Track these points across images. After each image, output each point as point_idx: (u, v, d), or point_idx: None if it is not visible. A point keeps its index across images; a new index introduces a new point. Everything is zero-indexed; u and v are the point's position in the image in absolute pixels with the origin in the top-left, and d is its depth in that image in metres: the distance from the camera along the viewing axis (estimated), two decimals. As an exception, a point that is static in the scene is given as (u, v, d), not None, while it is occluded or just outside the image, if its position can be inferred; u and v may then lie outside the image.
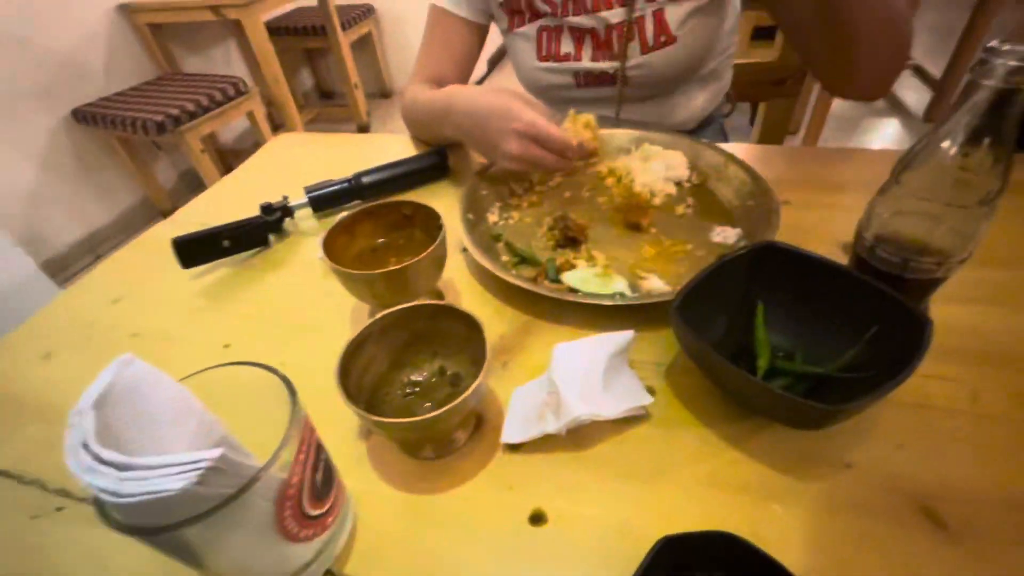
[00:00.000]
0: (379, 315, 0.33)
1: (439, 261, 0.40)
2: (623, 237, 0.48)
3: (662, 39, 0.59)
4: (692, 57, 0.60)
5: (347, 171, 0.58)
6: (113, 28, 1.87)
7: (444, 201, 0.57)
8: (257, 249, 0.53)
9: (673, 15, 0.58)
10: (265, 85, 2.02)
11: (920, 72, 2.14)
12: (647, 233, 0.48)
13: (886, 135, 2.09)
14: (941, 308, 0.37)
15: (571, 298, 0.40)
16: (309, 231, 0.56)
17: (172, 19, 1.90)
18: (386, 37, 2.77)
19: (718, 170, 0.52)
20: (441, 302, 0.33)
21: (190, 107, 1.67)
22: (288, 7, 2.46)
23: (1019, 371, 0.34)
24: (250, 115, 1.91)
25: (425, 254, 0.36)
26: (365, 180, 0.57)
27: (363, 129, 2.56)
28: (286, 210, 0.54)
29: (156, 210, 2.06)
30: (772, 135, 1.00)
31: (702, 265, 0.35)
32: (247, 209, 0.54)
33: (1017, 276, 0.41)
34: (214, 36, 2.28)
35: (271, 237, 0.54)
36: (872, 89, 0.50)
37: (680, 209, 0.51)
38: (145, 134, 1.63)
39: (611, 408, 0.32)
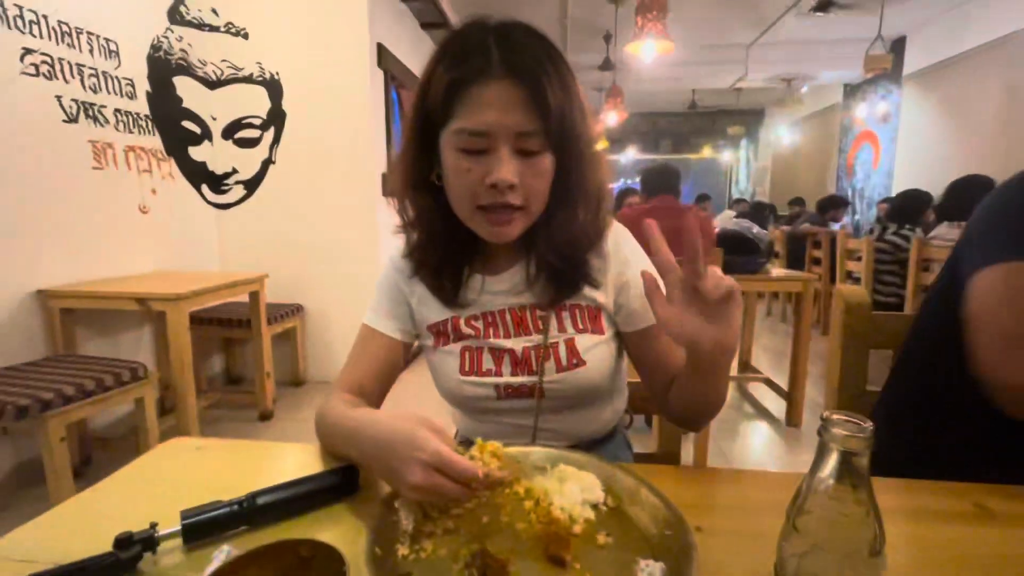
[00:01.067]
0: None
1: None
2: (546, 573, 0.44)
3: (574, 361, 0.69)
4: (599, 376, 0.71)
5: (241, 487, 0.52)
6: (20, 308, 1.83)
7: (349, 526, 0.51)
8: (91, 600, 0.41)
9: (581, 343, 0.69)
10: (168, 369, 1.95)
11: (771, 384, 2.58)
12: (571, 569, 0.45)
13: (761, 434, 2.38)
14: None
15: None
16: (173, 571, 0.45)
17: (91, 305, 1.92)
18: (309, 331, 2.94)
19: (631, 494, 0.54)
20: None
21: (68, 391, 1.53)
22: (219, 302, 2.61)
23: None
24: (138, 401, 1.77)
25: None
26: (260, 501, 0.50)
27: (265, 417, 2.45)
28: (149, 542, 0.45)
29: (-40, 513, 1.63)
30: (669, 442, 1.08)
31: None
32: (95, 540, 0.44)
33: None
34: (128, 321, 2.29)
35: (117, 580, 0.43)
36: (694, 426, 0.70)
37: (601, 539, 0.49)
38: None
39: None
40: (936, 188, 3.19)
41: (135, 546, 0.44)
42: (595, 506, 0.54)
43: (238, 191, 2.85)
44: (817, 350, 3.23)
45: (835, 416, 0.32)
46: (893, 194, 4.91)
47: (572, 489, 0.54)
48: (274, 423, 2.44)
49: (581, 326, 0.70)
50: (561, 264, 0.67)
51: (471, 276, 0.72)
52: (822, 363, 3.35)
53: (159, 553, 0.46)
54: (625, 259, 0.72)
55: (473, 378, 0.71)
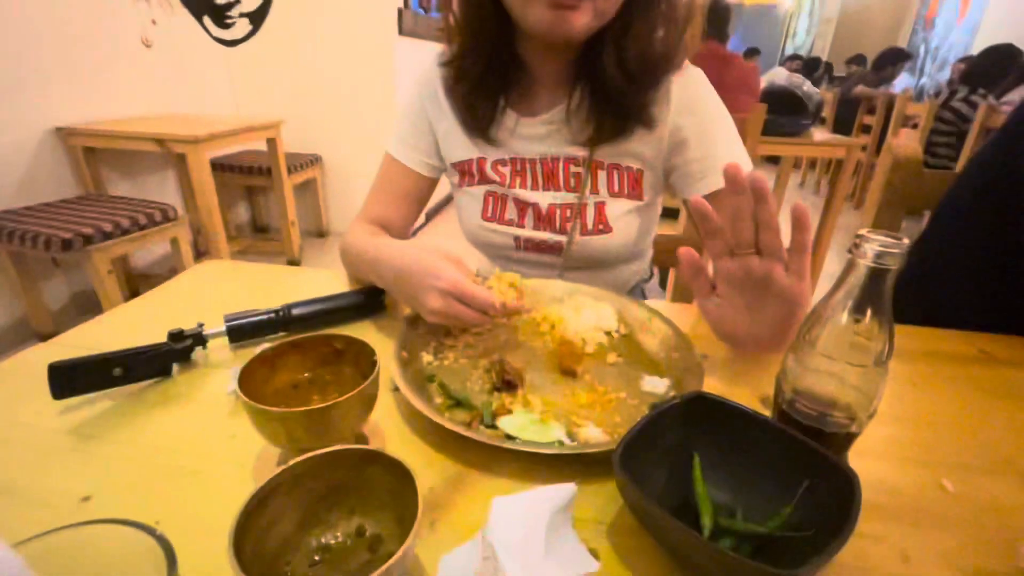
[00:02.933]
0: (293, 462, 0.28)
1: (369, 401, 0.37)
2: (558, 383, 0.48)
3: (600, 227, 0.66)
4: (624, 245, 0.68)
5: (275, 303, 0.55)
6: (41, 146, 1.83)
7: (377, 337, 0.55)
8: (155, 380, 0.47)
9: (612, 209, 0.65)
10: (197, 214, 2.00)
11: (791, 254, 2.55)
12: (581, 380, 0.49)
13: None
14: (859, 463, 0.38)
15: (509, 446, 0.38)
16: (221, 363, 0.51)
17: (111, 145, 1.91)
18: (329, 183, 2.93)
19: (643, 323, 0.56)
20: (368, 447, 0.30)
21: (107, 227, 1.59)
22: (237, 148, 2.56)
23: (939, 528, 0.35)
24: (173, 241, 1.85)
25: (356, 391, 0.34)
26: (295, 312, 0.54)
27: (293, 263, 2.55)
28: (199, 338, 0.50)
29: (31, 332, 1.82)
30: (682, 296, 1.11)
31: (636, 415, 0.35)
32: (152, 339, 0.49)
33: (919, 434, 0.45)
34: (151, 164, 2.29)
35: (175, 367, 0.48)
36: None
37: (611, 358, 0.52)
38: (46, 250, 1.50)
39: (554, 577, 0.28)
40: (1027, 45, 2.78)
41: (187, 339, 0.48)
42: (608, 333, 0.57)
43: (243, 24, 2.63)
44: (847, 224, 3.14)
45: (871, 232, 0.31)
46: (974, 53, 4.32)
47: (587, 316, 0.57)
48: (301, 270, 2.55)
49: (617, 189, 0.65)
50: (618, 89, 0.58)
51: (505, 111, 0.65)
52: (849, 238, 3.27)
53: (209, 350, 0.51)
54: (689, 107, 0.61)
55: (494, 224, 0.70)
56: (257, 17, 2.62)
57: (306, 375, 0.40)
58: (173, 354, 0.48)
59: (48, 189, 1.86)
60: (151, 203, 1.80)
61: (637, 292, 0.86)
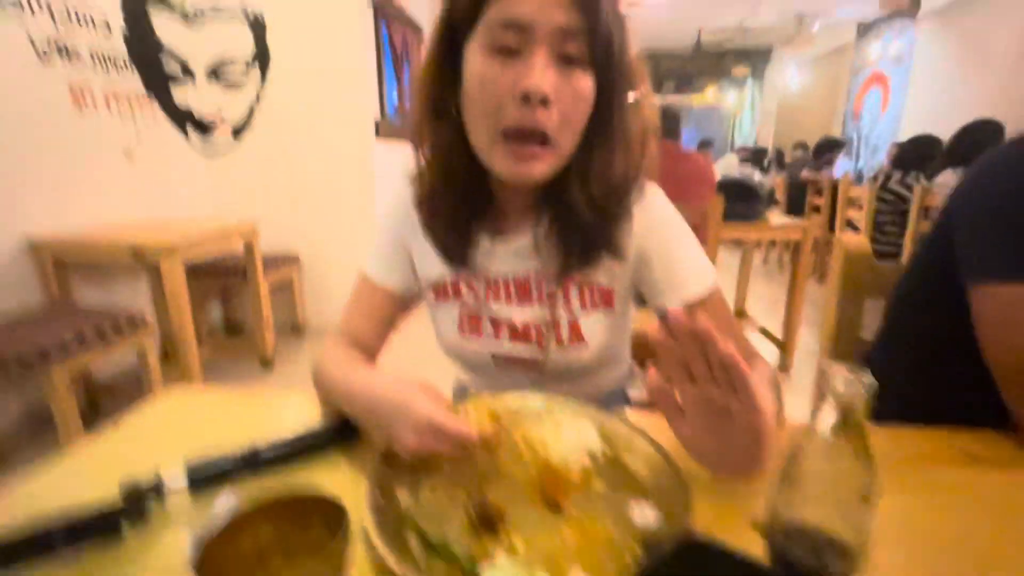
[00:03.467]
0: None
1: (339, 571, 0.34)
2: (544, 519, 0.46)
3: (575, 340, 0.66)
4: (599, 354, 0.68)
5: (245, 432, 0.52)
6: (11, 257, 1.81)
7: (349, 475, 0.53)
8: (102, 545, 0.43)
9: (585, 324, 0.66)
10: (168, 321, 1.95)
11: (765, 332, 2.61)
12: (567, 514, 0.47)
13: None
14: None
15: (493, 610, 0.35)
16: (179, 518, 0.47)
17: (84, 256, 1.90)
18: (307, 280, 2.94)
19: (626, 442, 0.55)
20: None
21: (70, 340, 1.54)
22: (213, 252, 2.58)
23: None
24: (139, 350, 1.79)
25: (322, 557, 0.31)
26: (263, 454, 0.51)
27: (266, 364, 2.48)
28: (156, 491, 0.46)
29: (-28, 458, 1.68)
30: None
31: (626, 558, 0.33)
32: (108, 485, 0.45)
33: (923, 558, 0.43)
34: (123, 269, 2.27)
35: (125, 525, 0.44)
36: None
37: (597, 485, 0.50)
38: (1, 370, 1.43)
39: None
40: (946, 133, 3.11)
41: (142, 495, 0.45)
42: (591, 455, 0.55)
43: (225, 135, 2.76)
44: (812, 298, 3.26)
45: (834, 368, 0.32)
46: (900, 139, 4.80)
47: (568, 437, 0.55)
48: (275, 370, 2.48)
49: (588, 304, 0.66)
50: (585, 221, 0.59)
51: (478, 235, 0.67)
52: (816, 311, 3.38)
53: (165, 501, 0.48)
54: (650, 228, 0.64)
55: (470, 338, 0.70)
56: (240, 129, 2.76)
57: (272, 539, 0.37)
58: (125, 513, 0.44)
59: (12, 300, 1.81)
60: (119, 312, 1.76)
61: (619, 394, 0.85)
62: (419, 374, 0.53)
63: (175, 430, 0.62)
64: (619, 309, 0.68)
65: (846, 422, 0.32)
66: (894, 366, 0.78)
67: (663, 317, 0.41)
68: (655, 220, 0.64)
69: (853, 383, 0.31)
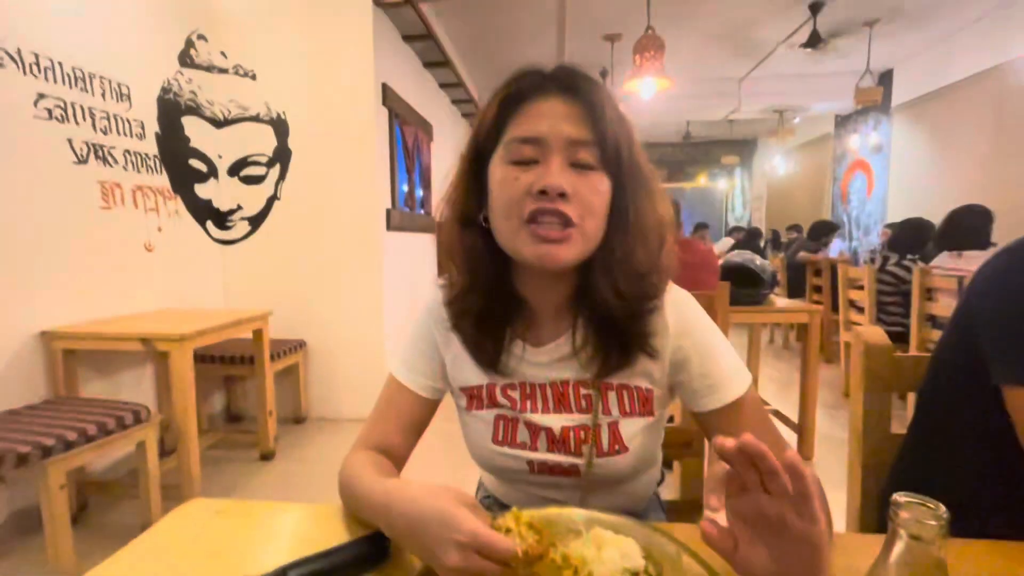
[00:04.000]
0: None
1: None
2: (593, 655, 0.42)
3: (616, 448, 0.65)
4: (640, 461, 0.67)
5: (264, 551, 0.50)
6: (21, 350, 1.81)
7: (382, 603, 0.49)
8: None
9: (625, 430, 0.65)
10: (171, 411, 1.91)
11: (780, 416, 2.55)
12: (618, 648, 0.43)
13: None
14: None
15: None
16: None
17: (94, 347, 1.90)
18: (312, 367, 2.91)
19: (672, 562, 0.52)
20: None
21: (71, 436, 1.49)
22: (222, 340, 2.58)
23: None
24: (139, 444, 1.73)
25: None
26: (292, 575, 0.49)
27: (267, 456, 2.40)
28: (177, 626, 0.43)
29: (-48, 566, 1.57)
30: (691, 488, 1.06)
31: None
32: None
33: None
34: (130, 360, 2.26)
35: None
36: None
37: (646, 611, 0.47)
38: (-3, 468, 1.38)
39: None
40: (931, 215, 3.24)
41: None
42: (635, 574, 0.52)
43: (243, 227, 2.87)
44: (823, 379, 3.21)
45: (904, 499, 0.31)
46: (889, 220, 4.98)
47: (611, 555, 0.52)
48: (276, 463, 2.38)
49: (628, 409, 0.65)
50: (616, 315, 0.60)
51: (513, 341, 0.67)
52: (828, 392, 3.32)
53: (186, 637, 0.44)
54: (685, 328, 0.64)
55: (506, 449, 0.68)
56: (257, 220, 2.88)
57: None
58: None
59: (17, 393, 1.78)
60: (123, 404, 1.73)
61: (654, 500, 0.82)
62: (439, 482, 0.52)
63: (194, 552, 0.58)
64: (658, 414, 0.67)
65: (921, 558, 0.31)
66: (927, 462, 0.75)
67: (715, 449, 0.40)
68: (689, 320, 0.65)
69: (927, 515, 0.30)
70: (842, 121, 6.39)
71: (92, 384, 2.07)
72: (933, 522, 0.30)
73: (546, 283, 0.65)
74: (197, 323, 1.98)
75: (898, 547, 0.31)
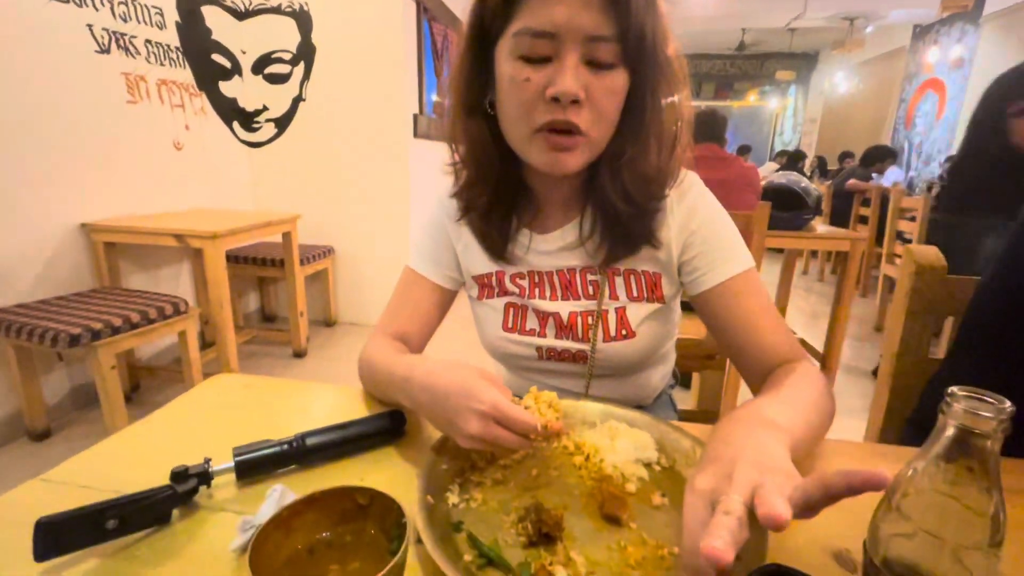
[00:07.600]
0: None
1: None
2: (602, 532, 0.43)
3: (623, 332, 0.64)
4: (648, 348, 0.66)
5: (287, 422, 0.51)
6: (64, 241, 1.88)
7: (397, 471, 0.51)
8: (151, 529, 0.42)
9: (633, 313, 0.64)
10: (208, 306, 2.00)
11: (805, 344, 2.51)
12: (628, 528, 0.44)
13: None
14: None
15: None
16: (226, 504, 0.46)
17: (132, 240, 1.96)
18: (340, 273, 2.97)
19: (687, 456, 0.52)
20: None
21: (117, 322, 1.58)
22: (253, 241, 2.64)
23: None
24: (181, 334, 1.83)
25: (384, 572, 0.29)
26: (309, 442, 0.50)
27: (299, 355, 2.52)
28: (204, 476, 0.45)
29: (22, 429, 1.75)
30: (709, 399, 1.06)
31: None
32: (153, 471, 0.45)
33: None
34: (168, 256, 2.34)
35: (175, 512, 0.44)
36: None
37: (656, 499, 0.47)
38: (53, 345, 1.48)
39: None
40: (1008, 144, 2.93)
41: (191, 480, 0.44)
42: (647, 465, 0.52)
43: (269, 129, 2.82)
44: (854, 312, 3.12)
45: (962, 392, 0.28)
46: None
47: (624, 446, 0.53)
48: (307, 361, 2.51)
49: (636, 293, 0.65)
50: (623, 213, 0.59)
51: (519, 230, 0.67)
52: (858, 326, 3.24)
53: (213, 487, 0.47)
54: (691, 207, 0.63)
55: (515, 335, 0.68)
56: (283, 122, 2.81)
57: (324, 535, 0.36)
58: (176, 498, 0.43)
59: (65, 282, 1.88)
60: (163, 296, 1.81)
61: (665, 399, 0.82)
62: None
63: (221, 417, 0.61)
64: (667, 300, 0.66)
65: (974, 454, 0.28)
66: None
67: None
68: (694, 205, 0.63)
69: (987, 409, 0.27)
70: (921, 32, 5.67)
71: (134, 277, 2.17)
72: (993, 415, 0.27)
73: (554, 178, 0.62)
74: (228, 222, 2.01)
75: (949, 440, 0.29)
